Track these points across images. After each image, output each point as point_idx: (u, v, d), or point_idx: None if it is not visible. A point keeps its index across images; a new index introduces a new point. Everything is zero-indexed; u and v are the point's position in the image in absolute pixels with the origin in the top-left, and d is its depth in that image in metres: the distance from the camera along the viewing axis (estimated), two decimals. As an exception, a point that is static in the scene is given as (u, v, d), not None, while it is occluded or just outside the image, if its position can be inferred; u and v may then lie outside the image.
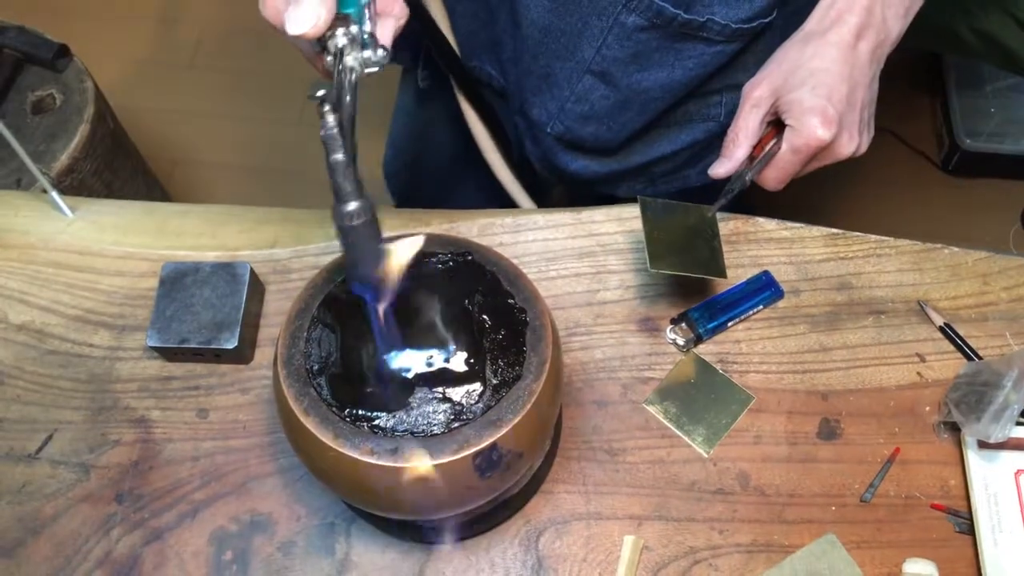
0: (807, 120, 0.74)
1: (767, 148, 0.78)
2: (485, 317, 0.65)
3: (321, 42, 0.60)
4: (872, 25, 0.75)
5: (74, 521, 0.78)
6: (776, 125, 0.78)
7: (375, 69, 0.61)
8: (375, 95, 2.10)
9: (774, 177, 0.78)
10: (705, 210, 0.83)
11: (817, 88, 0.74)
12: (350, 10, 0.60)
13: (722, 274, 0.81)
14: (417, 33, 0.96)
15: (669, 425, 0.81)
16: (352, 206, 0.56)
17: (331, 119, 0.56)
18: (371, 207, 0.57)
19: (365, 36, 0.60)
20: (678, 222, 0.82)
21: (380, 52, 0.60)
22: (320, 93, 0.57)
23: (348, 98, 0.58)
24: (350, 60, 0.60)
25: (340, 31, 0.59)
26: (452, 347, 0.63)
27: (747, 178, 0.79)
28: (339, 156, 0.56)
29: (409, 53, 1.11)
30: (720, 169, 0.80)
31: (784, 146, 0.76)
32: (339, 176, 0.56)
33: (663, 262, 0.79)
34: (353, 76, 0.59)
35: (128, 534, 0.77)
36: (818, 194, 1.97)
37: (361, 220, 0.57)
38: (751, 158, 0.79)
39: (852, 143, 0.76)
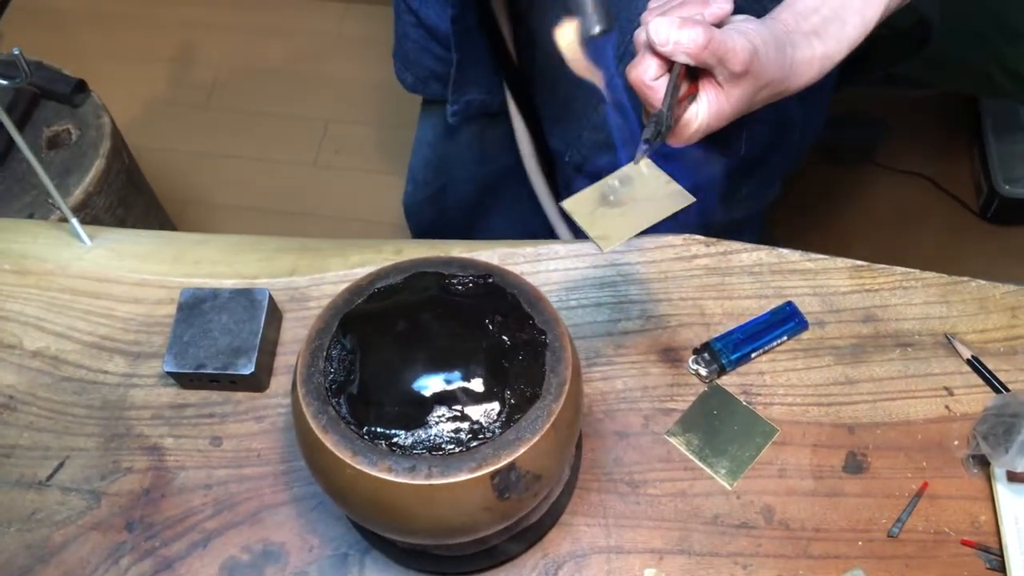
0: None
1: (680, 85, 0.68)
2: (505, 338, 0.64)
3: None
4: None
5: (83, 549, 0.76)
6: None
7: None
8: (392, 132, 2.12)
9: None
10: (632, 168, 0.69)
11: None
12: None
13: (685, 198, 0.69)
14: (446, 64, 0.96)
15: (692, 457, 0.80)
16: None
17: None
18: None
19: None
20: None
21: None
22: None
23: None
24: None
25: None
26: (471, 367, 0.62)
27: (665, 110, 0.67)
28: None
29: (440, 84, 1.11)
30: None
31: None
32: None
33: (612, 239, 0.66)
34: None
35: (138, 563, 0.75)
36: (850, 234, 1.92)
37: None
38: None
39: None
